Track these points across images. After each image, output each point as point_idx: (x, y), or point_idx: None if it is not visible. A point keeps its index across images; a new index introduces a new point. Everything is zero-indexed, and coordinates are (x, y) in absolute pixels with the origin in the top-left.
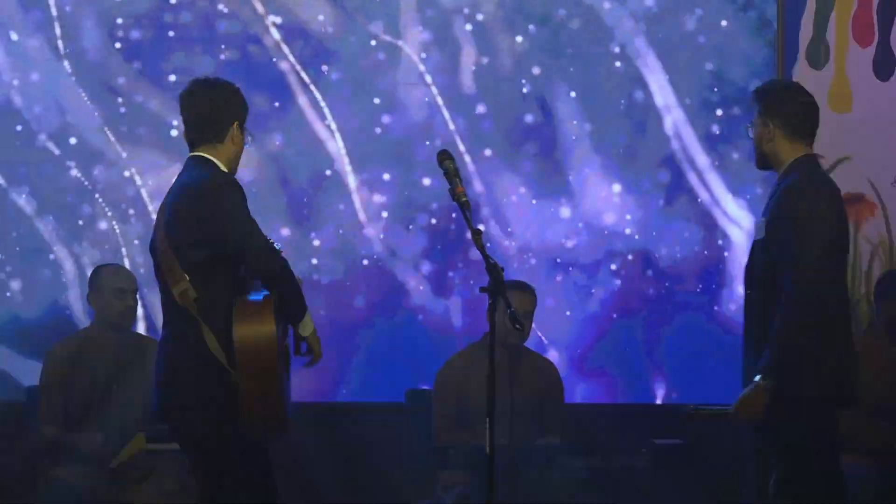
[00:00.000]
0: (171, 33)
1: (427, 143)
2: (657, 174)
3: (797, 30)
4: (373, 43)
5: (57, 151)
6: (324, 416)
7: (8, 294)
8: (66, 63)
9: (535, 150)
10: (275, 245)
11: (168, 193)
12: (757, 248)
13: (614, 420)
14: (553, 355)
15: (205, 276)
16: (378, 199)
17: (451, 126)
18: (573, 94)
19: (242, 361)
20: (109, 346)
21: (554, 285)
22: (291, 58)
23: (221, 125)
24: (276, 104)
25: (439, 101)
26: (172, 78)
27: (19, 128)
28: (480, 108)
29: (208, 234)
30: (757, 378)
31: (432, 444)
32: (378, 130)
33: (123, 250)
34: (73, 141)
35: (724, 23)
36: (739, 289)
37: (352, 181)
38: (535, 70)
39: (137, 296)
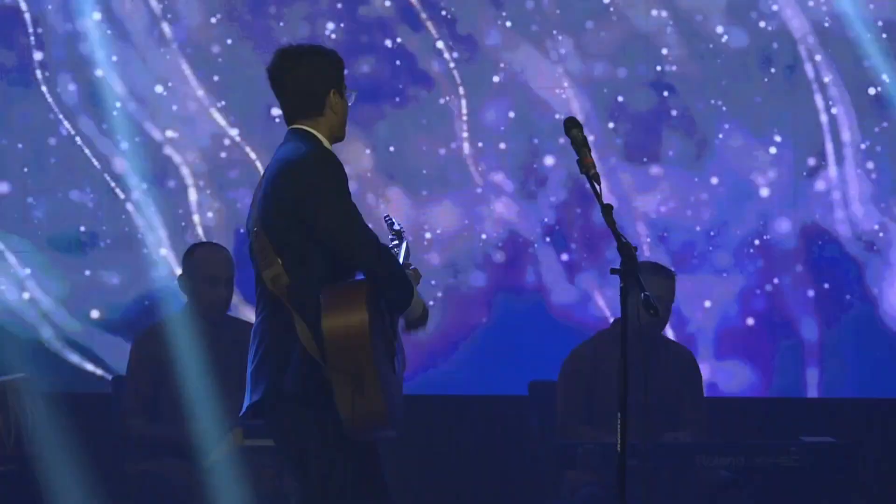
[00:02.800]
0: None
1: (556, 116)
2: (808, 162)
3: None
4: (507, 25)
5: (157, 133)
6: (440, 409)
7: (104, 279)
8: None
9: (676, 137)
10: (383, 234)
11: (265, 169)
12: None
13: (758, 415)
14: (692, 344)
15: (299, 261)
16: (501, 175)
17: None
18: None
19: (333, 355)
20: (202, 334)
21: (694, 270)
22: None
23: (317, 97)
24: (399, 77)
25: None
26: None
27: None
28: (617, 96)
29: (301, 216)
30: None
31: (558, 440)
32: (502, 103)
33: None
34: (174, 118)
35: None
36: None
37: (473, 156)
38: (670, 53)
39: (233, 283)
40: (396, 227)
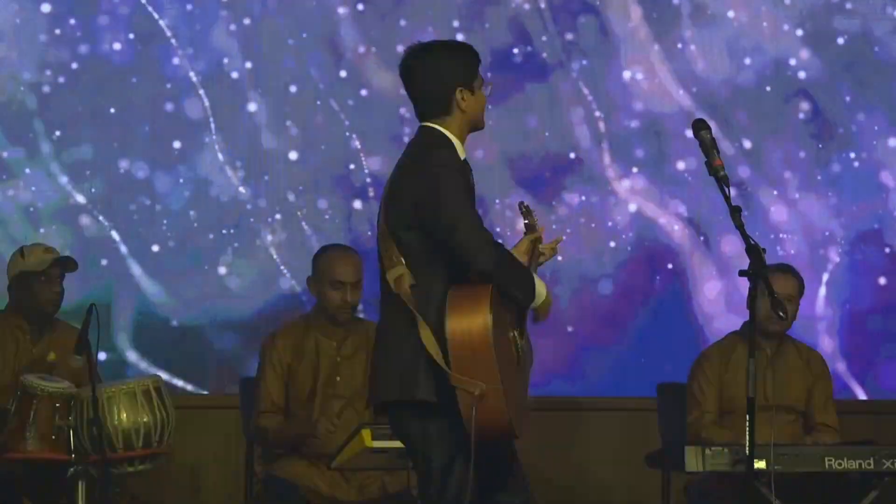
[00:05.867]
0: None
1: (684, 110)
2: None
3: None
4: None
5: (274, 131)
6: (565, 412)
7: (222, 279)
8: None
9: (809, 117)
10: (492, 237)
11: (395, 167)
12: None
13: (885, 418)
14: (823, 345)
15: (423, 262)
16: (630, 175)
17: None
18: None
19: (457, 359)
20: (332, 334)
21: (825, 270)
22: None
23: (444, 96)
24: (524, 77)
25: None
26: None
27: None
28: (743, 73)
29: (423, 219)
30: None
31: (687, 442)
32: (630, 102)
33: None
34: (288, 124)
35: None
36: None
37: (602, 158)
38: (800, 32)
39: (361, 287)
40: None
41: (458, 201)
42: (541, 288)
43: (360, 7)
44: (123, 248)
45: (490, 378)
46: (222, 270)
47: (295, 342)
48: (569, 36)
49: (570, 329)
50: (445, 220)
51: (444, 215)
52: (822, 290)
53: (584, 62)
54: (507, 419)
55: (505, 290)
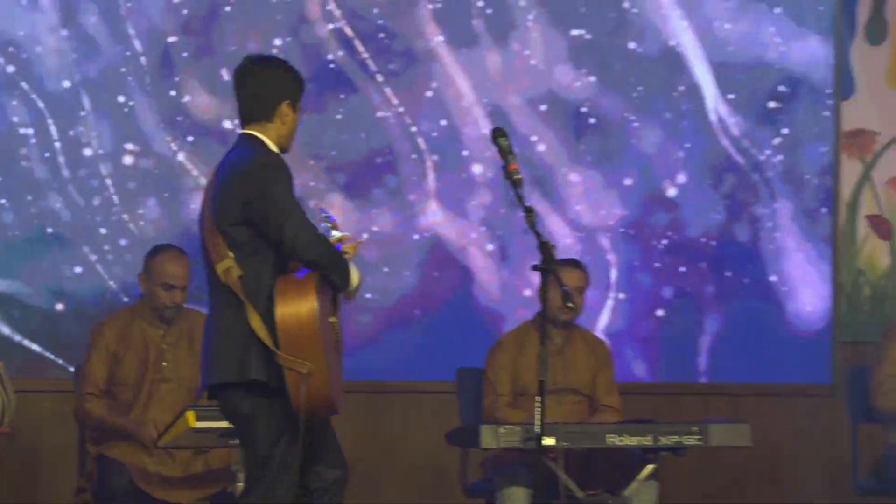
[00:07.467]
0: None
1: (483, 125)
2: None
3: (854, 6)
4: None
5: (106, 140)
6: (374, 394)
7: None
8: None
9: (595, 120)
10: (320, 231)
11: (215, 170)
12: None
13: (663, 399)
14: (602, 333)
15: (249, 255)
16: (434, 177)
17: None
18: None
19: (285, 342)
20: (157, 323)
21: (609, 261)
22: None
23: (270, 104)
24: (341, 95)
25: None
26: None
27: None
28: (529, 91)
29: (251, 216)
30: None
31: (483, 422)
32: (436, 115)
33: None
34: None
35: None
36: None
37: (407, 165)
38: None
39: (188, 287)
40: (332, 219)
41: (286, 199)
42: (354, 275)
43: (182, 36)
44: None
45: (316, 359)
46: (63, 263)
47: (122, 330)
48: (378, 58)
49: (376, 317)
50: (276, 217)
51: (274, 212)
52: (609, 283)
53: (394, 78)
54: (330, 397)
55: (327, 277)
